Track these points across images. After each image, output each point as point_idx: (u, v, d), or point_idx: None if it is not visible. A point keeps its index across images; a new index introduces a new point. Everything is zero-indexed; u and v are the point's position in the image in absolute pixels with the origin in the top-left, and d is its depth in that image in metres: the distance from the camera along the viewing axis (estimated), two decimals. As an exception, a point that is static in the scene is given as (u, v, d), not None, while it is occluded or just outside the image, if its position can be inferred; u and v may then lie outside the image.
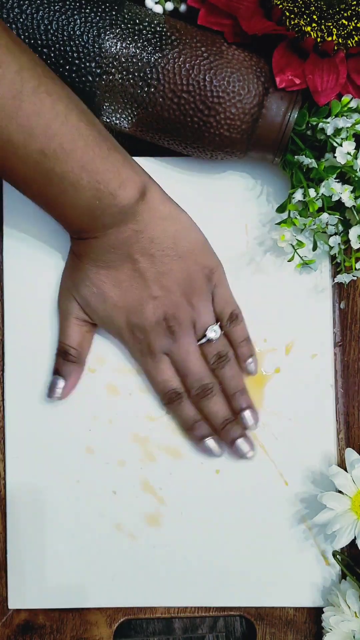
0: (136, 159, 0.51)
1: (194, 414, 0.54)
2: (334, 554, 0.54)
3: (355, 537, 0.51)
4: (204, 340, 0.53)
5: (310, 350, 0.56)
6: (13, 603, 0.55)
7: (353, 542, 0.51)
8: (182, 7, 0.52)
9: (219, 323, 0.54)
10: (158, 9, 0.52)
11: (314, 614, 0.55)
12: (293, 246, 0.53)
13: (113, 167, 0.47)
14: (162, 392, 0.54)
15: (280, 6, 0.48)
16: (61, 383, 0.54)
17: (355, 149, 0.49)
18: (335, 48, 0.49)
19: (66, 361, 0.54)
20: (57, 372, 0.55)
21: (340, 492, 0.52)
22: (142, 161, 0.52)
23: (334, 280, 0.56)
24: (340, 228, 0.52)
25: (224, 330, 0.54)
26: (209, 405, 0.54)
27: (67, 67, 0.48)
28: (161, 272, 0.51)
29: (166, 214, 0.51)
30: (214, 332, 0.53)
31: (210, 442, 0.54)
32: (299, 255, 0.53)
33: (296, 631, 0.55)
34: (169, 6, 0.52)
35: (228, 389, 0.54)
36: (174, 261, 0.51)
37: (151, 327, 0.52)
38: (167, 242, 0.51)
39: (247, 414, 0.54)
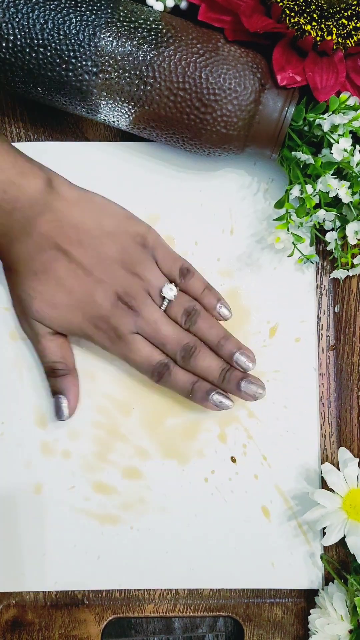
0: (135, 144, 0.54)
1: (189, 377, 0.52)
2: (322, 557, 0.54)
3: (344, 535, 0.50)
4: (165, 303, 0.52)
5: (294, 334, 0.55)
6: None
7: (341, 544, 0.51)
8: (183, 4, 0.52)
9: (173, 282, 0.53)
10: (159, 6, 0.52)
11: (302, 616, 0.55)
12: (293, 243, 0.52)
13: (14, 159, 0.49)
14: (148, 371, 0.52)
15: (281, 4, 0.48)
16: (64, 401, 0.54)
17: (351, 145, 0.49)
18: (334, 48, 0.49)
19: (58, 378, 0.54)
20: (55, 392, 0.54)
21: (331, 490, 0.51)
22: (141, 146, 0.54)
23: (322, 268, 0.55)
24: (338, 224, 0.51)
25: (180, 287, 0.53)
26: (198, 363, 0.52)
27: (64, 66, 0.49)
28: (96, 255, 0.51)
29: (79, 198, 0.51)
30: (170, 290, 0.52)
31: (216, 395, 0.51)
32: (299, 251, 0.53)
33: (283, 633, 0.55)
34: (170, 3, 0.52)
35: (210, 340, 0.52)
36: (103, 240, 0.51)
37: (110, 312, 0.51)
38: (91, 224, 0.51)
39: (239, 355, 0.52)
